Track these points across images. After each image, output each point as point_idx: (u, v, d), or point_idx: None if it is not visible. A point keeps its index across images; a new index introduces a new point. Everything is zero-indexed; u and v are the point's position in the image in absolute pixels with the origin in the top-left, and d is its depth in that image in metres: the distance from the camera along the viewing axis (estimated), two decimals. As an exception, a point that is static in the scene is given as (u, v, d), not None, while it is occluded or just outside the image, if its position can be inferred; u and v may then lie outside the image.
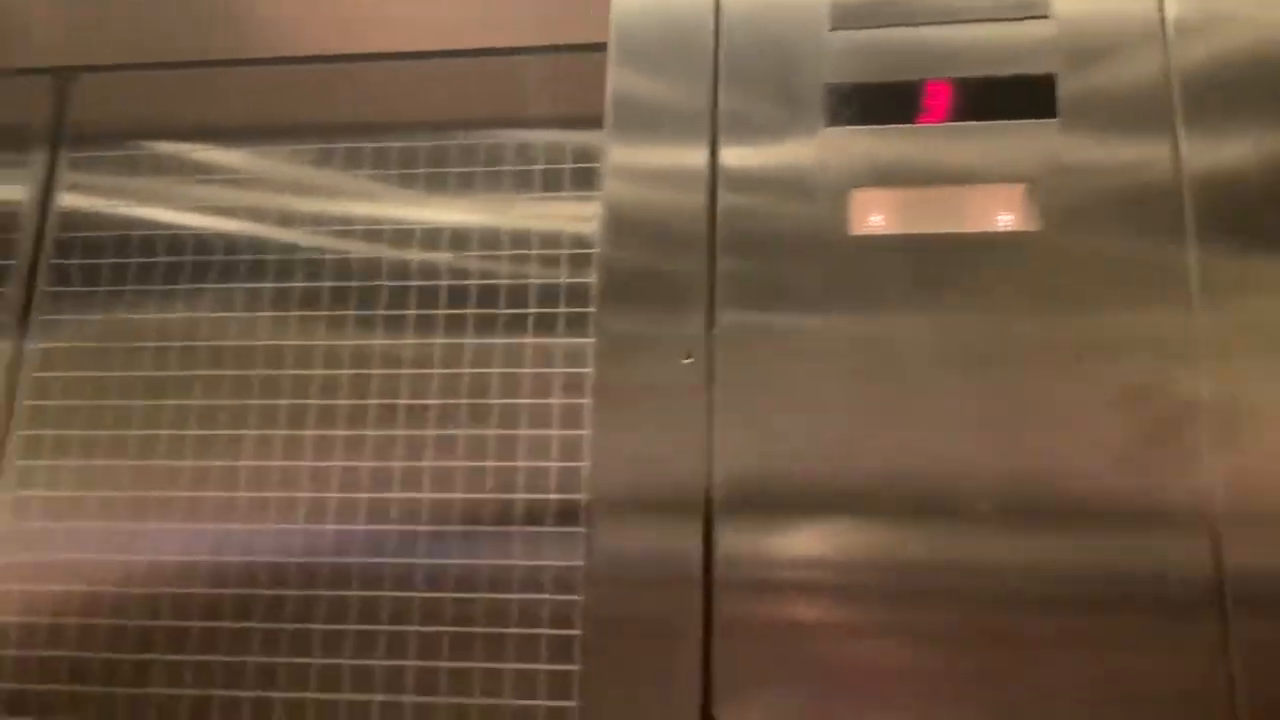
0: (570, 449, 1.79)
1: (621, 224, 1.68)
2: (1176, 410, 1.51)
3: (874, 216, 1.67)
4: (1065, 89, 1.65)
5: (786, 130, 1.70)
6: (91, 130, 2.06)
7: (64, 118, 2.07)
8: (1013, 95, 1.67)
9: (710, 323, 1.63)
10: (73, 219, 2.02)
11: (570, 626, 1.73)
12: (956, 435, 1.55)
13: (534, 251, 1.89)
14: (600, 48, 1.73)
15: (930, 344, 1.59)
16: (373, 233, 1.92)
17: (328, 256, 1.91)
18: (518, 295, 1.87)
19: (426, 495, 1.79)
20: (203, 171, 2.00)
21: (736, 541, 1.55)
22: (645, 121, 1.71)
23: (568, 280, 1.87)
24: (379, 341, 1.87)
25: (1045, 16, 1.69)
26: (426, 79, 1.91)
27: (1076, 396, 1.54)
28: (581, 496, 1.74)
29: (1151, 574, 1.46)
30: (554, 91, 1.85)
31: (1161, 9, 1.66)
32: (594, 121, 1.76)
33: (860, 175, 1.67)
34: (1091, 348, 1.55)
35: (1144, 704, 1.43)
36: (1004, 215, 1.65)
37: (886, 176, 1.67)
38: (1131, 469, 1.49)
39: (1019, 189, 1.64)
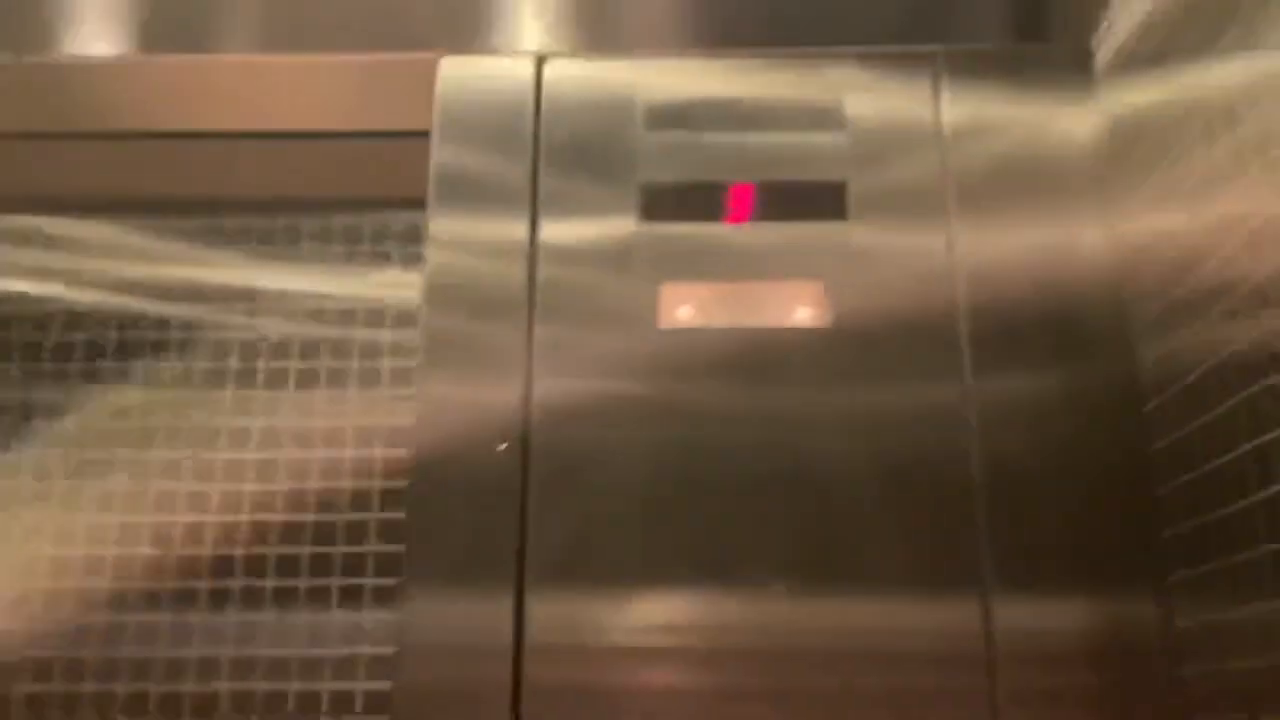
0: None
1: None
2: (952, 481, 1.62)
3: (682, 310, 1.73)
4: (856, 193, 1.76)
5: (603, 222, 1.77)
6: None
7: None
8: (810, 199, 1.78)
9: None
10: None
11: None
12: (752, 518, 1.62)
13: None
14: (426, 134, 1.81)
15: (734, 436, 1.64)
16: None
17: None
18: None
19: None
20: (48, 243, 2.02)
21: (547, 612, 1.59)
22: (467, 198, 1.79)
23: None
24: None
25: (841, 127, 1.81)
26: (263, 157, 1.97)
27: (852, 477, 1.60)
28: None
29: (929, 635, 1.55)
30: (384, 173, 1.94)
31: (938, 116, 1.80)
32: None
33: (670, 270, 1.74)
34: (877, 425, 1.65)
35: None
36: (802, 310, 1.73)
37: (695, 272, 1.75)
38: (910, 538, 1.60)
39: (816, 286, 1.73)
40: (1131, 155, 1.68)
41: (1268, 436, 1.27)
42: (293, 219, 2.03)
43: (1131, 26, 1.69)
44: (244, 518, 1.86)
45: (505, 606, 1.58)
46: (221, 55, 1.88)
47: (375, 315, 1.95)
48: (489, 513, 1.62)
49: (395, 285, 1.91)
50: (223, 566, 1.84)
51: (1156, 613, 1.55)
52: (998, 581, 1.57)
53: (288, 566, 1.83)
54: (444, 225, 1.77)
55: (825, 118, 1.82)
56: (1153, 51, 1.62)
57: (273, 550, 1.83)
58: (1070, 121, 1.80)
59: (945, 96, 1.82)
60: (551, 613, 1.58)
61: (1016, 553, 1.59)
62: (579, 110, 1.83)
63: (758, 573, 1.59)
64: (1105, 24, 1.78)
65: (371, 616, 1.80)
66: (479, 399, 1.68)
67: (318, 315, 1.95)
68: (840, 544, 1.61)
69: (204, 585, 1.84)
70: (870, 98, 1.83)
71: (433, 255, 1.75)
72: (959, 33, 1.85)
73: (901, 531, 1.61)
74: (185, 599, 1.83)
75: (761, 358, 1.70)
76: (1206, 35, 1.44)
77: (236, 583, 1.84)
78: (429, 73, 1.83)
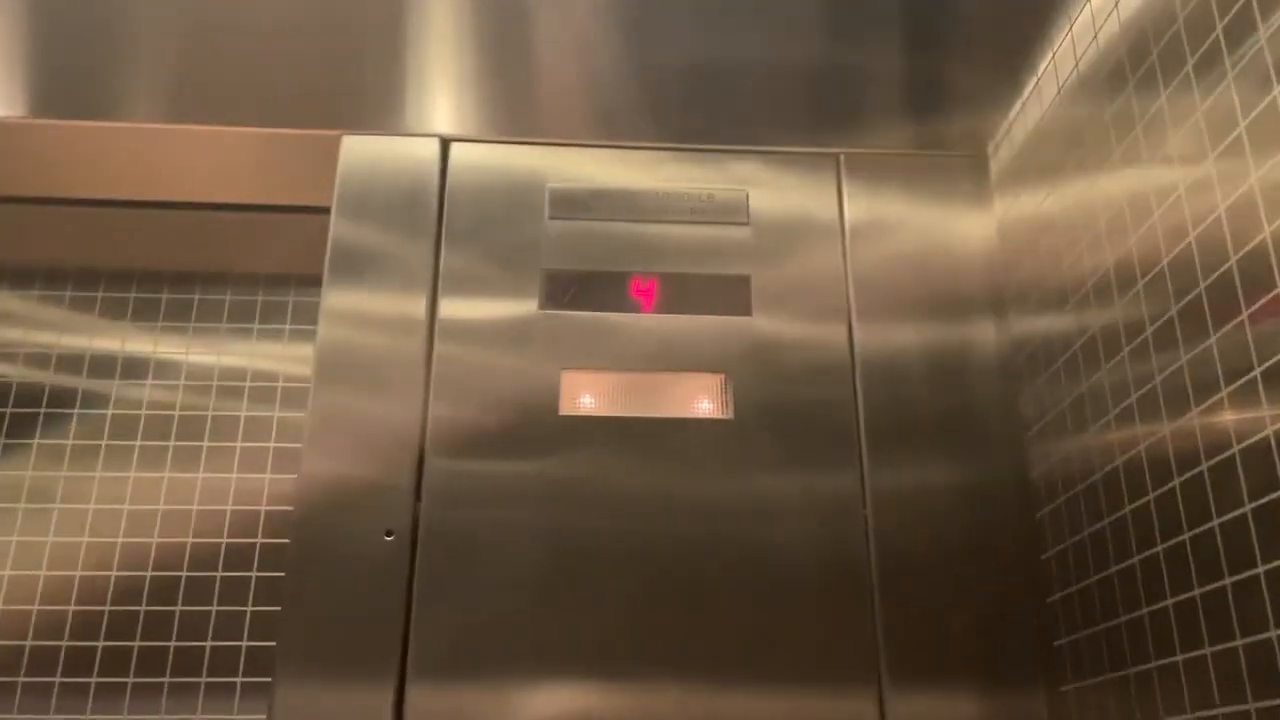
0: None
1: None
2: (848, 573, 1.61)
3: (583, 397, 1.71)
4: (758, 287, 1.77)
5: (504, 305, 1.75)
6: None
7: None
8: (713, 292, 1.78)
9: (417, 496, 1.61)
10: None
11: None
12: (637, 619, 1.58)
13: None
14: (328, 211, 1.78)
15: (631, 526, 1.61)
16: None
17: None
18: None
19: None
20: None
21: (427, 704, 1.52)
22: (364, 273, 1.75)
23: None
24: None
25: (745, 223, 1.82)
26: (158, 226, 1.93)
27: (752, 569, 1.60)
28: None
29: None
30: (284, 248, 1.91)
31: (840, 215, 1.83)
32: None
33: (571, 357, 1.72)
34: (776, 517, 1.64)
35: None
36: (704, 402, 1.72)
37: (596, 360, 1.73)
38: (807, 630, 1.58)
39: (718, 378, 1.72)
40: (1024, 259, 1.73)
41: (1144, 499, 1.29)
42: (186, 289, 1.97)
43: (1026, 137, 1.75)
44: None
45: (385, 700, 1.51)
46: (119, 123, 1.82)
47: (266, 389, 1.89)
48: (372, 599, 1.55)
49: (287, 359, 1.85)
50: (86, 653, 1.74)
51: (1045, 691, 1.56)
52: (892, 672, 1.56)
53: (152, 658, 1.73)
54: (339, 299, 1.73)
55: (730, 212, 1.84)
56: (1046, 162, 1.67)
57: (137, 643, 1.74)
58: (967, 225, 1.84)
59: (848, 196, 1.85)
60: (435, 707, 1.52)
61: (910, 642, 1.58)
62: (484, 193, 1.82)
63: (649, 667, 1.55)
64: (1003, 133, 1.84)
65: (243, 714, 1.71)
66: (367, 476, 1.62)
67: (204, 388, 1.89)
68: (736, 636, 1.57)
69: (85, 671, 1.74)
70: (775, 194, 1.86)
71: (325, 328, 1.70)
72: (862, 137, 1.89)
73: (799, 623, 1.58)
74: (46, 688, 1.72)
75: (662, 448, 1.68)
76: (1097, 149, 1.49)
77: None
78: (332, 149, 1.81)
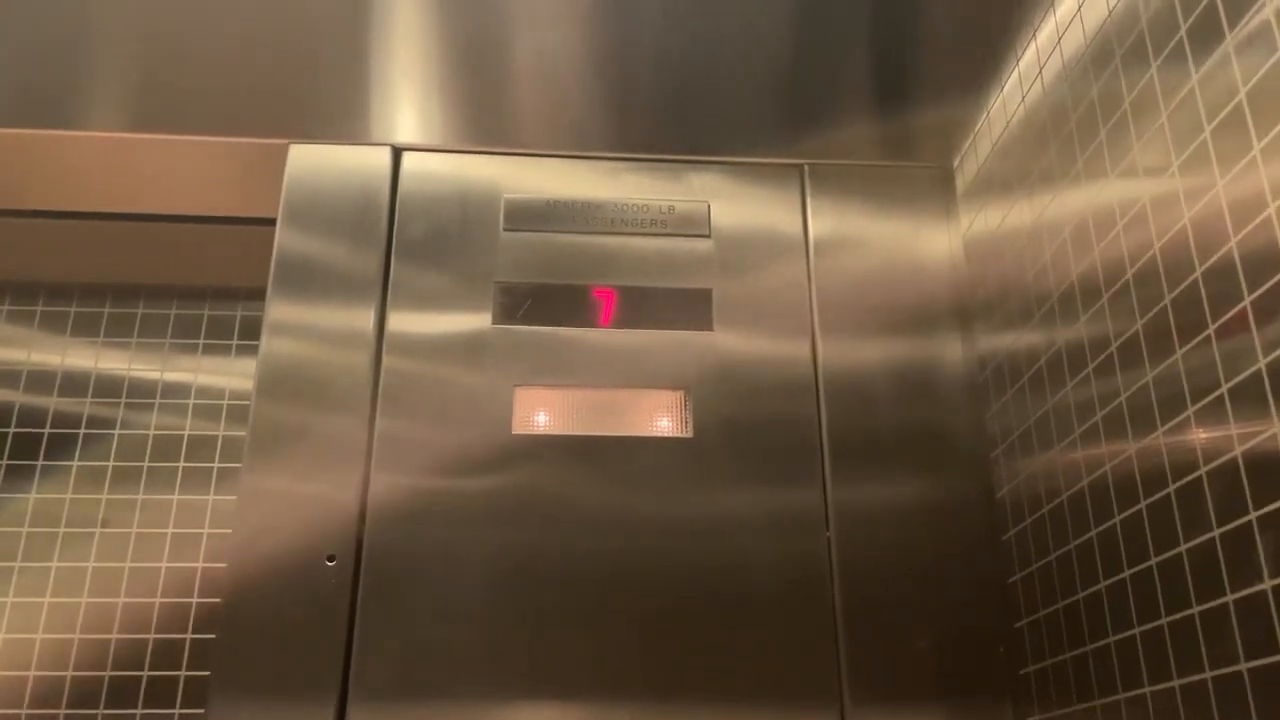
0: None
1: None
2: (810, 592, 1.56)
3: (537, 415, 1.65)
4: (720, 301, 1.72)
5: (456, 320, 1.69)
6: None
7: None
8: (673, 306, 1.73)
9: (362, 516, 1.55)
10: None
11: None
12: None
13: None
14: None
15: (585, 546, 1.55)
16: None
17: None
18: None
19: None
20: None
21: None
22: (310, 284, 1.68)
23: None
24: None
25: (706, 236, 1.77)
26: (104, 238, 1.87)
27: (710, 588, 1.54)
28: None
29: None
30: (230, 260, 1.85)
31: (805, 229, 1.78)
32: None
33: (525, 373, 1.66)
34: (736, 535, 1.58)
35: None
36: (663, 420, 1.66)
37: (551, 376, 1.67)
38: (768, 651, 1.52)
39: (678, 395, 1.67)
40: (989, 273, 1.68)
41: (1110, 522, 1.24)
42: (130, 303, 1.90)
43: (990, 149, 1.71)
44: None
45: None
46: (59, 131, 1.76)
47: (211, 407, 1.83)
48: (313, 624, 1.49)
49: (234, 374, 1.79)
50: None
51: (1012, 712, 1.51)
52: (855, 695, 1.50)
53: (85, 696, 1.67)
54: (284, 312, 1.67)
55: (691, 224, 1.79)
56: (1010, 174, 1.63)
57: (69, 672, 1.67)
58: (932, 238, 1.80)
59: (811, 209, 1.81)
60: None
61: (874, 664, 1.52)
62: (436, 204, 1.77)
63: (606, 689, 1.49)
64: (968, 145, 1.79)
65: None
66: (310, 495, 1.56)
67: (147, 405, 1.82)
68: (695, 656, 1.52)
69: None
70: (737, 206, 1.81)
71: (269, 342, 1.64)
72: (826, 148, 1.84)
73: (760, 645, 1.53)
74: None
75: (619, 467, 1.62)
76: (1061, 160, 1.45)
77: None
78: (281, 159, 1.75)
